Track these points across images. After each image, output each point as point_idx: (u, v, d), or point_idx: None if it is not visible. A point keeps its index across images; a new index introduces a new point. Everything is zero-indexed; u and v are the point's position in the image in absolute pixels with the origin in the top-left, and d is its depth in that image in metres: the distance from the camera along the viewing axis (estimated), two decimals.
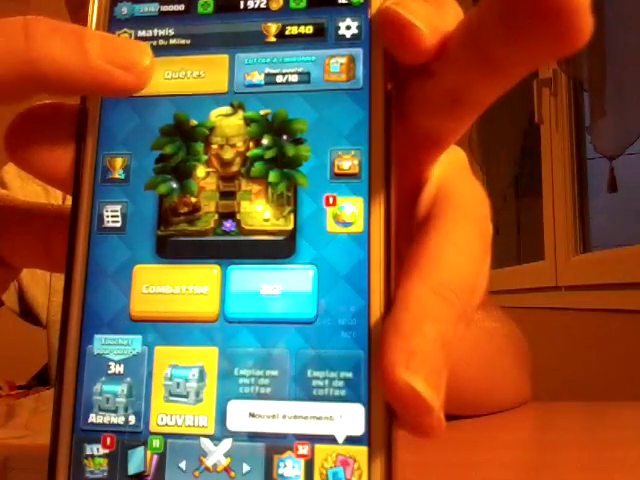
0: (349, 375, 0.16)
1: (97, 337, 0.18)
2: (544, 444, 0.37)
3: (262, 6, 0.19)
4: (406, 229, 0.19)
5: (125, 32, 0.19)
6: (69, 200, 0.19)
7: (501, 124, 1.83)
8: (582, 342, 1.35)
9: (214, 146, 0.18)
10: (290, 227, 0.18)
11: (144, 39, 0.19)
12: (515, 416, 0.46)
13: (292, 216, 0.18)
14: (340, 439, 0.16)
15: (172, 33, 0.19)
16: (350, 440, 0.16)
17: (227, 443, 0.16)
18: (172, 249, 0.18)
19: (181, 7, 0.19)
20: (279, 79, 0.19)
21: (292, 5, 0.19)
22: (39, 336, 0.77)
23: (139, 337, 0.17)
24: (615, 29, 1.31)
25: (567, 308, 1.42)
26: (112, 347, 0.18)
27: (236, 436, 0.16)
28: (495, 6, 0.15)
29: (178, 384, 0.17)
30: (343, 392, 0.16)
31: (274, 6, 0.19)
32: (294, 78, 0.18)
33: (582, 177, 1.57)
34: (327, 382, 0.16)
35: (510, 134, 1.85)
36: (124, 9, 0.20)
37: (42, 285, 0.73)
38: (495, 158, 1.94)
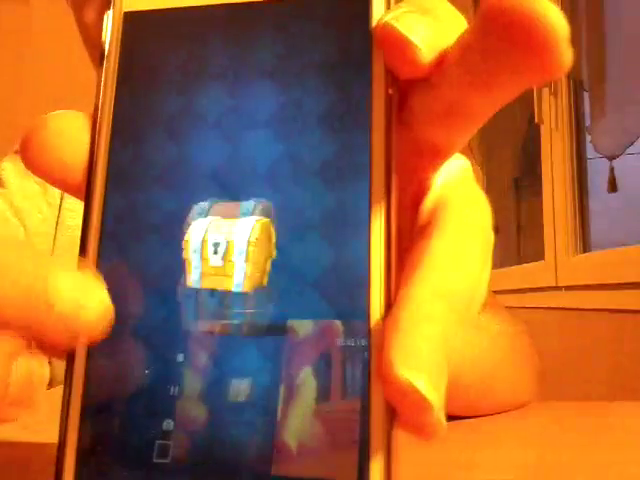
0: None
1: None
2: (544, 444, 0.37)
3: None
4: (407, 235, 0.19)
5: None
6: (67, 199, 0.19)
7: (501, 124, 1.83)
8: (582, 342, 1.35)
9: None
10: None
11: (156, 54, 0.19)
12: (516, 416, 0.46)
13: None
14: None
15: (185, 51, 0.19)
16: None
17: None
18: None
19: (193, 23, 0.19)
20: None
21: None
22: None
23: None
24: (615, 29, 1.31)
25: (567, 308, 1.42)
26: None
27: None
28: (479, 35, 0.16)
29: None
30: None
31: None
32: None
33: (582, 177, 1.57)
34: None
35: (510, 134, 1.86)
36: (137, 22, 0.20)
37: None
38: (495, 158, 1.94)
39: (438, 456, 0.32)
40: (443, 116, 0.18)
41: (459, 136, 0.19)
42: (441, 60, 0.17)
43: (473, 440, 0.38)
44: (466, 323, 0.17)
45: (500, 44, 0.15)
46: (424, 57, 0.17)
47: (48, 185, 0.23)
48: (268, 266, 0.17)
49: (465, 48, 0.16)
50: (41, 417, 0.31)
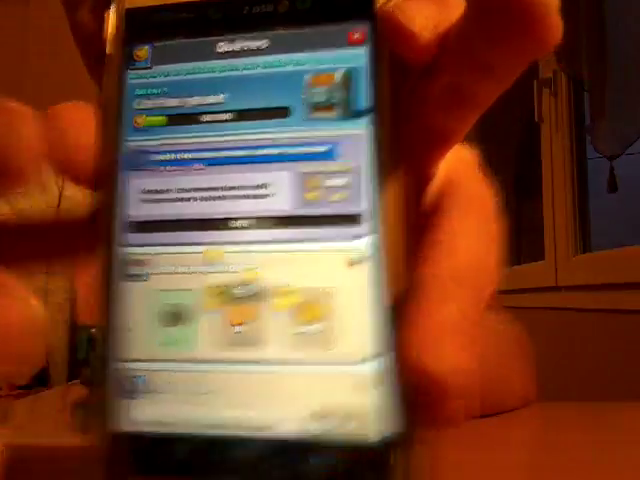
0: None
1: None
2: (545, 444, 0.37)
3: (268, 10, 0.19)
4: (412, 220, 0.19)
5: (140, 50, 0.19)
6: (65, 200, 0.19)
7: (501, 124, 1.83)
8: (582, 342, 1.35)
9: None
10: None
11: (161, 50, 0.19)
12: (516, 416, 0.46)
13: None
14: None
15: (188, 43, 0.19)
16: None
17: None
18: None
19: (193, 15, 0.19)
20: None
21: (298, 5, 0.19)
22: None
23: None
24: (615, 29, 1.32)
25: (567, 308, 1.42)
26: None
27: None
28: (474, 14, 0.16)
29: None
30: None
31: (281, 9, 0.19)
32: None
33: (582, 177, 1.57)
34: None
35: (510, 134, 1.85)
36: (139, 20, 0.20)
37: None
38: (495, 158, 1.94)
39: (438, 456, 0.32)
40: (445, 102, 0.18)
41: (463, 121, 0.19)
42: (443, 44, 0.17)
43: (472, 440, 0.38)
44: (484, 302, 0.17)
45: (492, 20, 0.15)
46: (424, 43, 0.17)
47: (47, 186, 0.23)
48: None
49: (462, 30, 0.17)
50: (41, 418, 0.31)
